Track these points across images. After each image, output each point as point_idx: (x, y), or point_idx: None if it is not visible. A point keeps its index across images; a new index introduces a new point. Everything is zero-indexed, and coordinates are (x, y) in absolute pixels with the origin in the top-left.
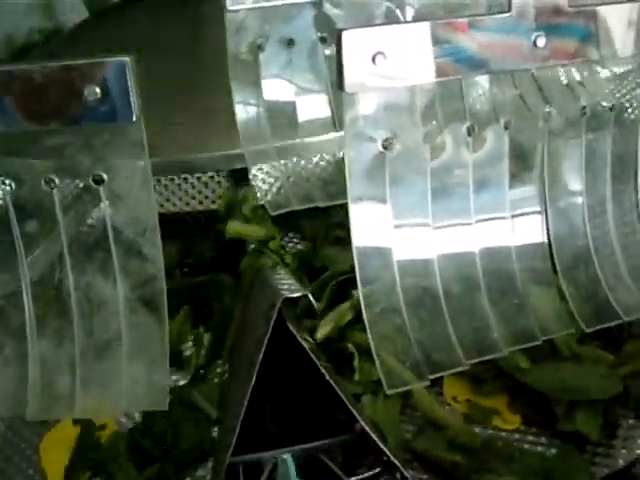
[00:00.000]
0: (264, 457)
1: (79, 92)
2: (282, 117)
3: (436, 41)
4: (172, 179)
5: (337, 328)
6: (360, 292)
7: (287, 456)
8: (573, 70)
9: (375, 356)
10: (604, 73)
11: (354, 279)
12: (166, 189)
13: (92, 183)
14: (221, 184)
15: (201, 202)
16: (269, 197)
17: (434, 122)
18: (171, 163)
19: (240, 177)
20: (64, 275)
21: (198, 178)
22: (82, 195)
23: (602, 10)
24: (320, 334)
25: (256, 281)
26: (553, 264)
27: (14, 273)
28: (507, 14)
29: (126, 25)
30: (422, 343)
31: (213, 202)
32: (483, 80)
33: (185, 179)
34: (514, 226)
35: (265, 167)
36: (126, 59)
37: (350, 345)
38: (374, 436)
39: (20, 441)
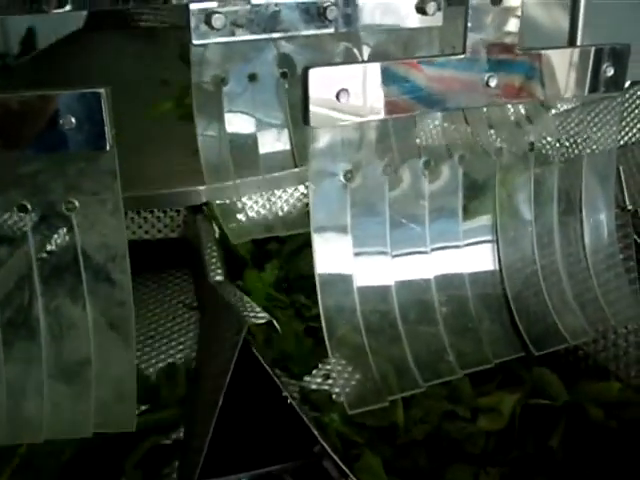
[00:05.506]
0: None
1: (55, 121)
2: (244, 150)
3: (394, 80)
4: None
5: None
6: (322, 318)
7: None
8: (521, 108)
9: (337, 379)
10: (551, 111)
11: None
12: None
13: (64, 210)
14: (180, 212)
15: (160, 231)
16: (231, 226)
17: (392, 156)
18: (130, 199)
19: (198, 206)
20: (33, 299)
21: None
22: (54, 221)
23: (547, 53)
24: None
25: (220, 307)
26: (504, 291)
27: None
28: (461, 55)
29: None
30: (381, 366)
31: (172, 231)
32: (437, 117)
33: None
34: (467, 254)
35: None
36: (101, 90)
37: None
38: (334, 455)
39: None
